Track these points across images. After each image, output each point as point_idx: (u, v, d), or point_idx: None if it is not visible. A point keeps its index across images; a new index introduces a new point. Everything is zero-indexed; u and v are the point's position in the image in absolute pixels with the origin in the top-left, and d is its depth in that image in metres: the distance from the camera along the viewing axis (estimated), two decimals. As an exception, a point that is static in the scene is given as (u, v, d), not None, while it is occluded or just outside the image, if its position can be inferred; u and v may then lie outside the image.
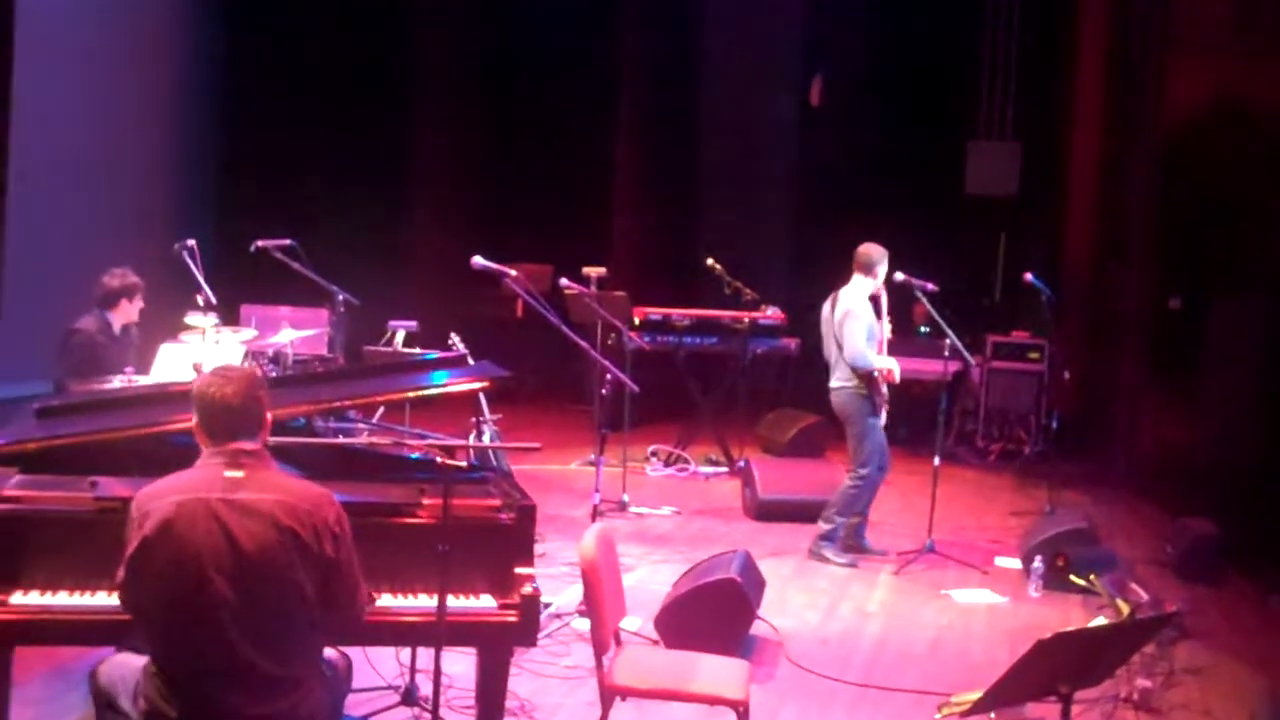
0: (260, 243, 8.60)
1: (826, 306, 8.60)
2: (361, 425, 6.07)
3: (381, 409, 8.12)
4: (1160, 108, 12.08)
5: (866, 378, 8.39)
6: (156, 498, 3.67)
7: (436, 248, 14.75)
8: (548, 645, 6.48)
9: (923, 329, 12.16)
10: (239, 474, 3.70)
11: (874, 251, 8.48)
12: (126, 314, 8.06)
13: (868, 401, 8.42)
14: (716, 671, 4.96)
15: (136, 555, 3.63)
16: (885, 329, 8.58)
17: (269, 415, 3.88)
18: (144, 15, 12.55)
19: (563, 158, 15.08)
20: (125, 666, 3.90)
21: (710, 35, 15.67)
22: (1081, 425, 12.70)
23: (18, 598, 4.05)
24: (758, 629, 6.96)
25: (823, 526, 8.66)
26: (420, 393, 5.60)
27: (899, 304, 8.80)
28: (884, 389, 8.43)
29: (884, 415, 8.48)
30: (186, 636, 3.61)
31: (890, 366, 8.41)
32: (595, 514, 7.60)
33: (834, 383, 8.53)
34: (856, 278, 8.50)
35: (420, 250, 15.18)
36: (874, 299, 8.55)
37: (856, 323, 8.37)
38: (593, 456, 9.33)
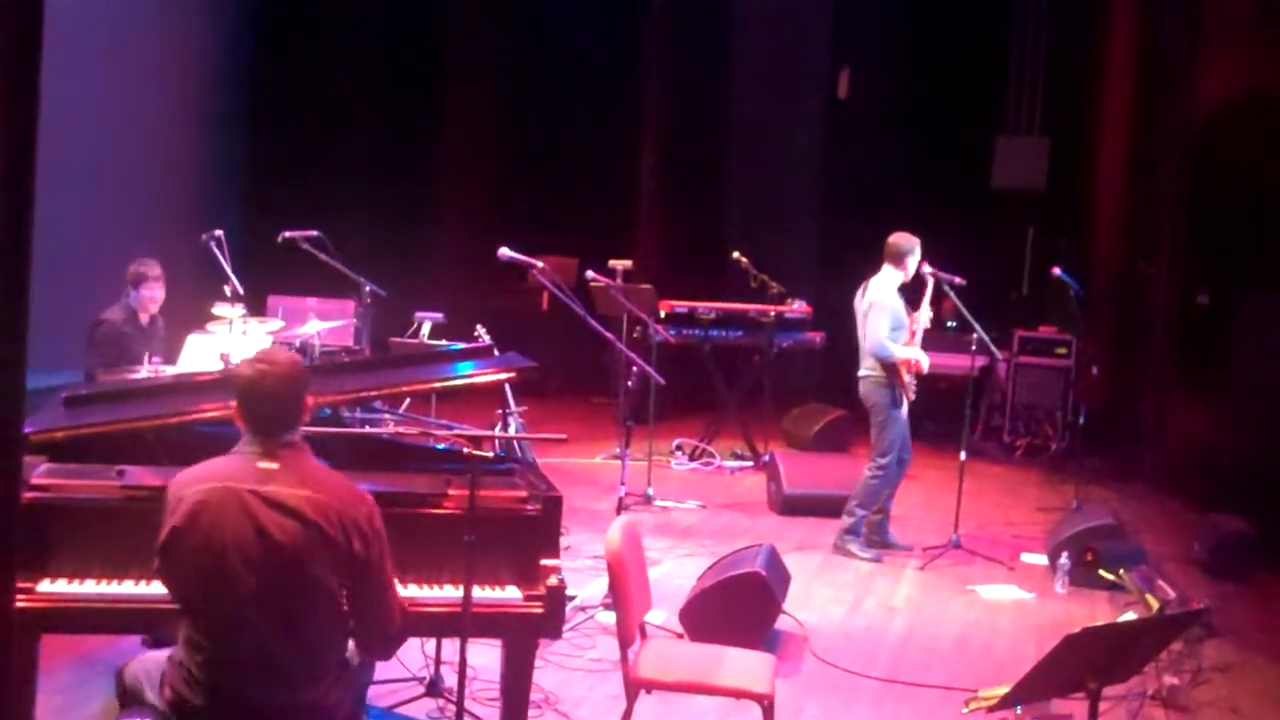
0: (287, 233, 8.61)
1: (858, 295, 8.59)
2: (387, 416, 6.08)
3: (407, 400, 8.13)
4: (1190, 102, 12.00)
5: (889, 368, 8.38)
6: (190, 484, 3.66)
7: (463, 239, 14.79)
8: (572, 638, 6.48)
9: (950, 323, 12.11)
10: (273, 465, 3.66)
11: (903, 241, 8.47)
12: (141, 303, 8.09)
13: (891, 391, 8.41)
14: (741, 665, 4.95)
15: (167, 542, 3.64)
16: (924, 318, 8.55)
17: (310, 403, 3.84)
18: (173, 9, 12.58)
19: (589, 150, 15.06)
20: (151, 662, 3.91)
21: (737, 28, 15.63)
22: (1108, 421, 12.63)
23: (45, 586, 4.06)
24: (782, 623, 6.94)
25: (845, 520, 8.65)
26: (446, 383, 5.59)
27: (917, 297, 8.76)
28: (909, 380, 8.40)
29: (905, 406, 8.44)
30: (215, 624, 3.61)
31: (916, 357, 8.39)
32: (620, 507, 7.61)
33: (861, 371, 8.52)
34: (886, 268, 8.49)
35: (447, 242, 15.21)
36: (905, 287, 8.54)
37: (880, 313, 8.37)
38: (618, 450, 9.33)
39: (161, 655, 3.83)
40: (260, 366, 3.76)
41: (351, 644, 3.90)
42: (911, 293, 8.69)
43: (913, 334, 8.49)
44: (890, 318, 8.38)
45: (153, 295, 8.14)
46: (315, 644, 3.68)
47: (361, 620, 3.77)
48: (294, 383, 3.76)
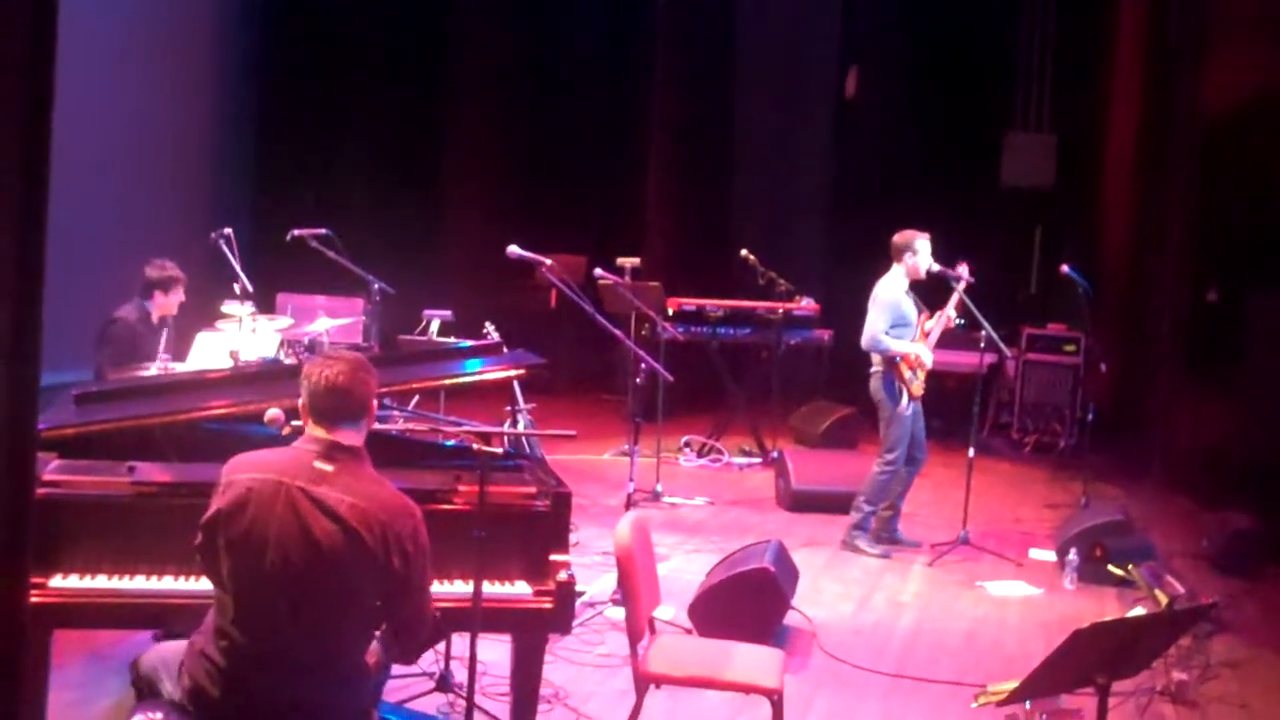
0: (296, 231, 8.62)
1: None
2: (397, 413, 6.09)
3: (416, 397, 8.15)
4: (1198, 99, 11.98)
5: (889, 362, 8.39)
6: (243, 469, 3.69)
7: (472, 237, 14.78)
8: (581, 634, 6.49)
9: (959, 321, 12.10)
10: (329, 468, 3.67)
11: (901, 239, 8.49)
12: (163, 306, 8.09)
13: (893, 385, 8.41)
14: (751, 660, 4.96)
15: (210, 522, 3.67)
16: (941, 320, 8.54)
17: (375, 404, 3.86)
18: (181, 7, 12.61)
19: (597, 148, 15.06)
20: (167, 651, 3.92)
21: (745, 26, 15.62)
22: (1117, 418, 12.63)
23: (57, 581, 4.08)
24: (791, 619, 6.95)
25: (853, 516, 8.65)
26: (455, 380, 5.61)
27: (936, 295, 8.75)
28: (909, 375, 8.38)
29: (905, 400, 8.42)
30: (243, 613, 3.63)
31: (915, 351, 8.38)
32: (629, 503, 7.62)
33: (871, 367, 8.54)
34: (893, 265, 8.51)
35: (455, 240, 15.21)
36: (923, 286, 8.56)
37: (878, 308, 8.42)
38: (626, 446, 9.34)
39: (180, 645, 3.84)
40: (327, 359, 3.82)
41: (373, 645, 3.92)
42: (932, 293, 8.70)
43: (925, 334, 8.48)
44: (889, 313, 8.39)
45: (179, 299, 8.15)
46: (338, 647, 3.70)
47: (393, 627, 3.82)
48: (357, 375, 3.78)
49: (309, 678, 3.64)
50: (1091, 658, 3.83)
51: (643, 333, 10.21)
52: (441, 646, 5.55)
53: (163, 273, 8.05)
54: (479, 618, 4.10)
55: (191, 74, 12.86)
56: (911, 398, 8.43)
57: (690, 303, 11.68)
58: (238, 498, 3.62)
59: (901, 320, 8.43)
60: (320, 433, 3.74)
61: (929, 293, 8.75)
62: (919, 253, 8.45)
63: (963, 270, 8.56)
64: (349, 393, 3.75)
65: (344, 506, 3.61)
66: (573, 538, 6.51)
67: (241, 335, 8.02)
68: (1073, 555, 8.11)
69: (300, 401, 3.80)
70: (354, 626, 3.72)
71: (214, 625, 3.68)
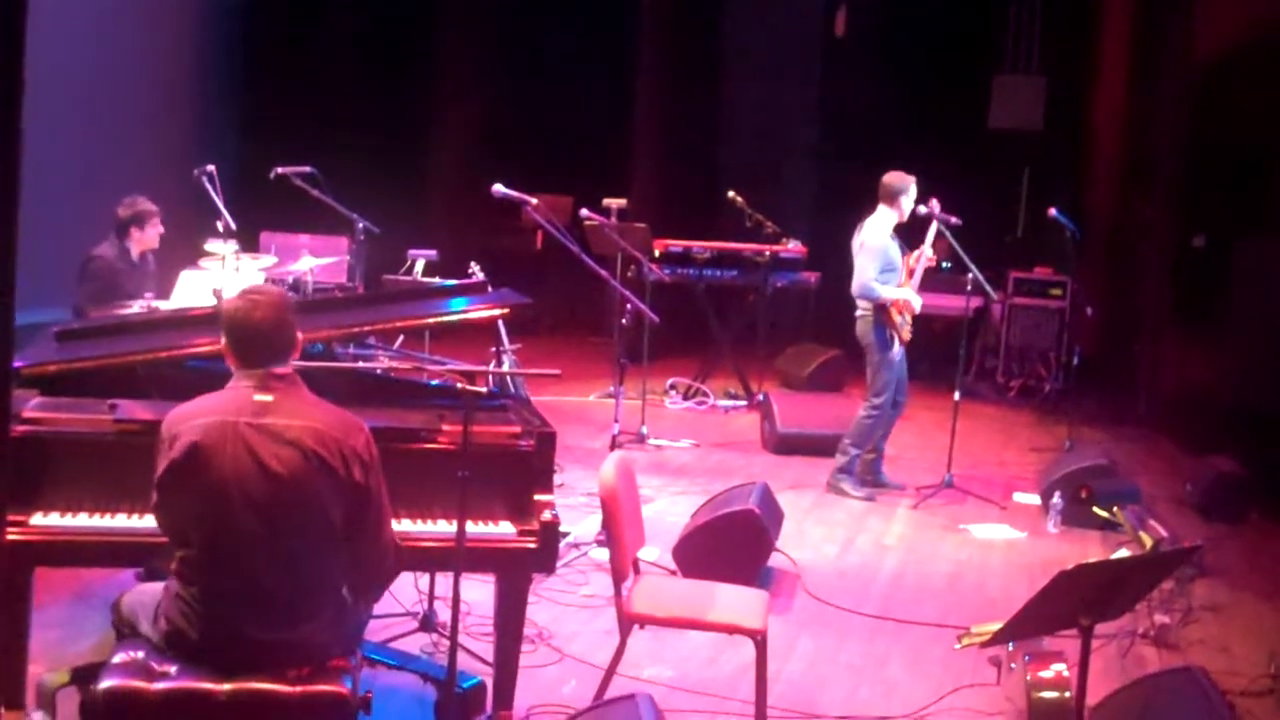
0: (280, 169, 8.56)
1: (855, 235, 8.54)
2: (381, 352, 6.06)
3: (401, 336, 8.11)
4: (1189, 43, 11.93)
5: (880, 308, 8.35)
6: (185, 420, 3.64)
7: (457, 177, 14.72)
8: (566, 574, 6.50)
9: (945, 264, 12.07)
10: (268, 398, 3.65)
11: (896, 180, 8.41)
12: (141, 241, 8.04)
13: (883, 331, 8.39)
14: (735, 601, 4.97)
15: (164, 478, 3.63)
16: (924, 259, 8.51)
17: (299, 335, 3.84)
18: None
19: (585, 88, 14.96)
20: (146, 594, 3.90)
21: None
22: (1103, 362, 12.65)
23: (38, 519, 4.05)
24: (775, 561, 6.96)
25: (839, 458, 8.65)
26: (440, 319, 5.58)
27: (913, 235, 8.71)
28: (899, 320, 8.36)
29: (895, 346, 8.40)
30: (212, 559, 3.61)
31: (904, 297, 8.35)
32: (614, 445, 7.61)
33: (857, 311, 8.49)
34: (881, 208, 8.44)
35: (441, 179, 15.14)
36: (903, 227, 8.52)
37: (868, 254, 8.35)
38: (612, 388, 9.32)
39: (157, 587, 3.83)
40: (246, 299, 3.78)
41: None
42: (909, 232, 8.66)
43: (910, 273, 8.45)
44: (879, 259, 8.34)
45: (157, 231, 8.09)
46: (312, 580, 3.68)
47: (356, 555, 3.77)
48: (280, 314, 3.76)
49: (286, 615, 3.62)
50: (1075, 600, 3.83)
51: (629, 274, 10.16)
52: (425, 586, 5.56)
53: (132, 209, 8.00)
54: (462, 557, 4.09)
55: (176, 9, 12.71)
56: (902, 342, 8.42)
57: (677, 244, 11.64)
58: (187, 448, 3.58)
59: (889, 265, 8.38)
60: (251, 370, 3.72)
61: (905, 233, 8.70)
62: (911, 195, 8.40)
63: (935, 206, 8.50)
64: (275, 332, 3.75)
65: (295, 430, 3.61)
66: (558, 479, 6.49)
67: (225, 273, 7.98)
68: (1057, 499, 8.13)
69: (223, 343, 3.78)
70: (327, 552, 3.69)
71: (180, 573, 3.66)
